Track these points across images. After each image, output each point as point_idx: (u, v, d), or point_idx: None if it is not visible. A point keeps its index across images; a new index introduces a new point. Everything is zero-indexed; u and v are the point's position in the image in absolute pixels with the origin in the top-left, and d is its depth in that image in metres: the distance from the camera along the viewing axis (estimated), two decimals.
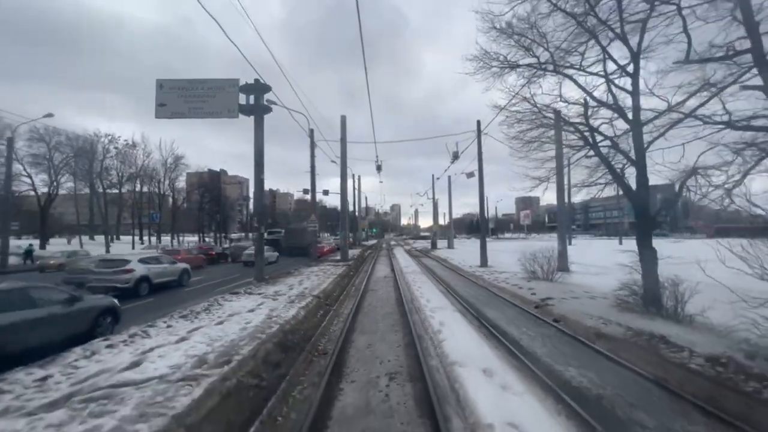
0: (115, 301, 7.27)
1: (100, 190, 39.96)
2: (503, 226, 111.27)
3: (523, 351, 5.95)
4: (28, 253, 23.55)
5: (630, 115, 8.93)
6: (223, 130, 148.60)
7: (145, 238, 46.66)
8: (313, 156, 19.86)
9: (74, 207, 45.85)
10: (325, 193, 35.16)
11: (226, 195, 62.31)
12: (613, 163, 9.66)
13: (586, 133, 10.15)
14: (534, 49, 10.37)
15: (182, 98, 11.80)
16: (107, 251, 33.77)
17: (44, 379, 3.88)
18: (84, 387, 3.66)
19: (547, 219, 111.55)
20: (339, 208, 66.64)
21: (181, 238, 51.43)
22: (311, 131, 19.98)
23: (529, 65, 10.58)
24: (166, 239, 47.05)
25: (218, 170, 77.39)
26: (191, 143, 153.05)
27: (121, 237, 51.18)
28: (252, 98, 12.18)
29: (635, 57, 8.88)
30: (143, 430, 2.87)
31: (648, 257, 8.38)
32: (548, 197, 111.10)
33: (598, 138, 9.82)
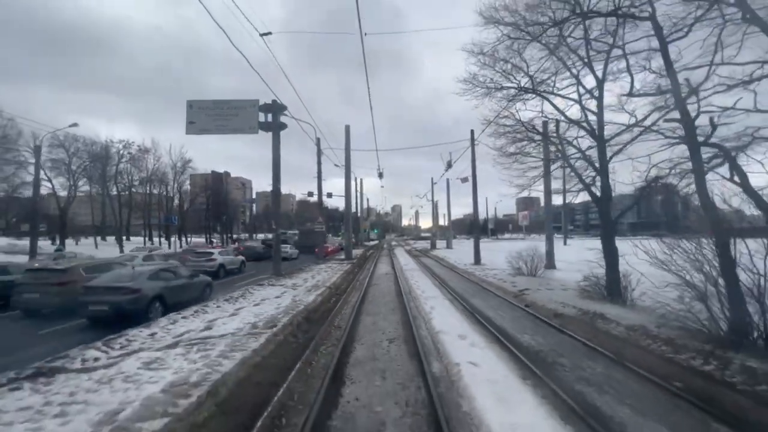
0: (210, 279, 11.36)
1: (114, 192, 41.85)
2: (503, 226, 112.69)
3: (494, 325, 7.68)
4: (59, 254, 25.37)
5: (596, 132, 10.57)
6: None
7: (155, 239, 48.51)
8: (319, 163, 21.63)
9: (83, 209, 47.82)
10: (329, 195, 36.98)
11: (232, 197, 64.08)
12: (587, 172, 11.31)
13: (559, 147, 11.87)
14: (515, 74, 12.04)
15: (209, 117, 13.58)
16: (121, 251, 35.65)
17: (152, 335, 5.64)
18: (182, 339, 5.41)
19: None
20: (340, 209, 67.59)
21: (189, 239, 53.21)
22: (318, 140, 21.74)
23: (511, 88, 12.24)
24: (164, 240, 48.87)
25: (222, 172, 79.27)
26: (190, 144, 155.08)
27: (131, 238, 52.98)
28: (270, 116, 13.95)
29: (600, 83, 10.51)
30: (236, 355, 4.61)
31: (610, 254, 10.06)
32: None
33: (573, 150, 11.47)
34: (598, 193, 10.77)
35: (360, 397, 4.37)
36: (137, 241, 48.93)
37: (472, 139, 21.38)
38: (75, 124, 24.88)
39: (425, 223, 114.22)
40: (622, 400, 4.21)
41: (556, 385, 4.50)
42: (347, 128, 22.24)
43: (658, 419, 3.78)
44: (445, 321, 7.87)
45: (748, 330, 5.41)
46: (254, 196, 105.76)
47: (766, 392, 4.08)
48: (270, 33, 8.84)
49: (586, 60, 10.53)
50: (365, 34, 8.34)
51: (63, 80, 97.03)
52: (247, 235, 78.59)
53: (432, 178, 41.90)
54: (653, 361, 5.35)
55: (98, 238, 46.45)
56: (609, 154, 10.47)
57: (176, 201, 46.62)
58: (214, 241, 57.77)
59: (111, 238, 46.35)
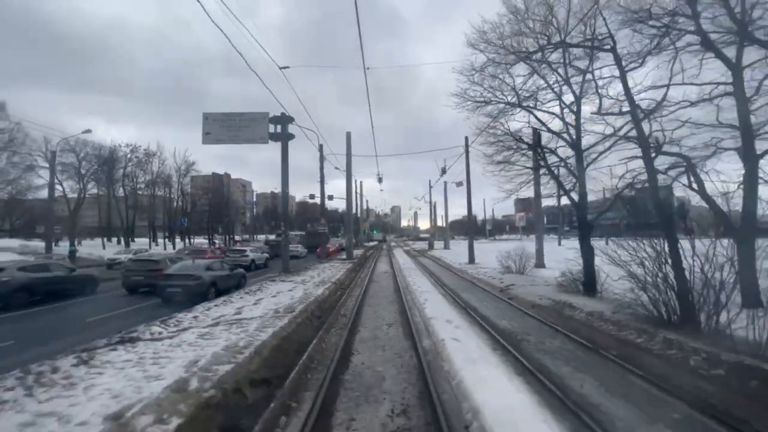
0: (244, 271, 14.35)
1: (121, 194, 43.04)
2: (500, 227, 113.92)
3: (478, 313, 8.97)
4: (72, 254, 26.60)
5: (575, 143, 11.84)
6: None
7: (160, 240, 49.68)
8: (322, 168, 22.90)
9: (86, 211, 48.87)
10: (330, 198, 38.17)
11: (233, 199, 65.27)
12: (570, 179, 12.59)
13: (542, 155, 13.16)
14: (503, 89, 13.29)
15: (223, 128, 14.86)
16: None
17: (195, 317, 6.91)
18: (220, 320, 6.69)
19: (545, 220, 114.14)
20: (339, 209, 68.66)
21: (192, 240, 54.33)
22: (320, 146, 23.05)
23: (499, 102, 13.51)
24: (168, 241, 50.03)
25: (222, 174, 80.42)
26: (189, 145, 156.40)
27: (136, 239, 54.10)
28: (279, 127, 15.23)
29: (577, 99, 11.77)
30: (268, 330, 5.88)
31: (587, 253, 11.32)
32: (546, 200, 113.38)
33: (554, 159, 12.73)
34: (577, 198, 12.10)
35: (365, 362, 5.65)
36: (142, 242, 50.12)
37: (467, 146, 22.70)
38: (88, 131, 26.11)
39: (424, 224, 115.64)
40: (567, 363, 5.50)
41: (518, 353, 5.79)
42: (348, 135, 23.54)
43: (589, 372, 5.08)
44: (436, 310, 9.13)
45: (676, 312, 6.69)
46: (254, 198, 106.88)
47: (673, 354, 5.37)
48: (288, 67, 10.19)
49: (565, 79, 11.82)
50: (368, 68, 9.62)
51: (61, 81, 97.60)
52: (247, 236, 79.61)
53: (429, 181, 43.26)
54: (599, 337, 6.65)
55: (101, 239, 47.58)
56: (587, 162, 11.81)
57: (180, 203, 47.76)
58: (216, 242, 59.00)
59: (116, 239, 47.53)
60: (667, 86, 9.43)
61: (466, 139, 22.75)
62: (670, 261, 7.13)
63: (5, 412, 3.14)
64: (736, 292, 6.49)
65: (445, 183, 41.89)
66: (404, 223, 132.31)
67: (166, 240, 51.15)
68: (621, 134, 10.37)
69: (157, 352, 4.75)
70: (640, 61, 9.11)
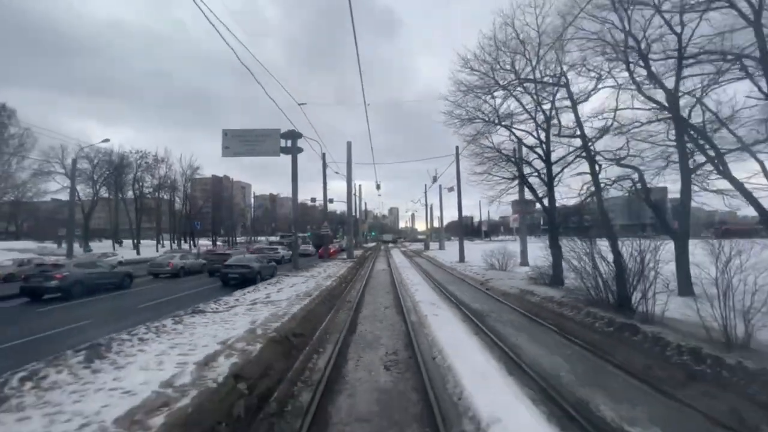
0: (276, 264, 18.40)
1: (130, 199, 44.99)
2: (496, 228, 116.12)
3: (457, 299, 11.08)
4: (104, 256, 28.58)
5: (545, 157, 13.91)
6: (215, 133, 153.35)
7: (167, 242, 51.63)
8: (325, 176, 25.00)
9: (94, 213, 50.75)
10: (330, 201, 40.24)
11: (236, 201, 67.19)
12: (543, 187, 14.68)
13: (518, 166, 15.25)
14: (484, 108, 15.37)
15: (240, 142, 16.94)
16: (137, 253, 39.05)
17: (236, 299, 8.99)
18: (256, 302, 8.77)
19: (542, 221, 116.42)
20: (337, 211, 70.59)
21: (197, 242, 56.22)
22: (323, 155, 25.16)
23: (482, 120, 15.60)
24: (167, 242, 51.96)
25: (222, 176, 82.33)
26: (190, 146, 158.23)
27: (142, 241, 55.85)
28: (289, 142, 17.32)
29: (547, 120, 13.89)
30: (295, 307, 7.98)
31: (556, 252, 13.43)
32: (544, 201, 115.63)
33: (530, 170, 14.77)
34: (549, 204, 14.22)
35: (367, 329, 7.75)
36: (148, 243, 51.99)
37: (457, 155, 24.87)
38: (107, 140, 28.08)
39: (421, 225, 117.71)
40: (512, 327, 7.63)
41: (479, 322, 7.91)
42: (349, 145, 25.64)
43: (524, 332, 7.22)
44: (423, 297, 11.24)
45: (613, 295, 8.79)
46: (252, 200, 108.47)
47: (587, 320, 7.51)
48: (305, 103, 12.37)
49: (537, 103, 13.94)
50: (368, 104, 11.72)
51: (59, 82, 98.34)
52: (245, 237, 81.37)
53: (425, 186, 45.38)
54: (543, 312, 8.80)
55: (112, 241, 49.41)
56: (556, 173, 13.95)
57: (187, 206, 49.69)
58: (219, 243, 60.93)
59: (126, 242, 49.38)
60: (615, 111, 11.59)
61: (457, 148, 24.93)
62: (610, 257, 9.22)
63: (153, 342, 5.23)
64: (674, 282, 8.52)
65: (440, 186, 44.01)
66: (402, 224, 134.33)
67: (172, 242, 53.11)
68: (578, 153, 12.54)
69: (223, 318, 6.84)
70: (586, 95, 11.28)
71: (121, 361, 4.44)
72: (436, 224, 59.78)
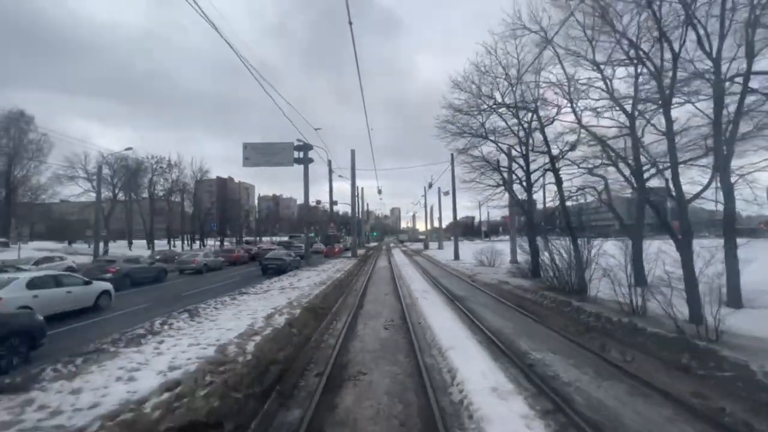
0: (300, 258, 22.42)
1: (142, 201, 47.50)
2: (496, 228, 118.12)
3: (445, 288, 13.38)
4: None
5: (525, 167, 16.13)
6: (216, 133, 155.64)
7: (177, 242, 54.15)
8: (331, 181, 27.33)
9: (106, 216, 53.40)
10: (335, 203, 42.55)
11: (242, 203, 69.65)
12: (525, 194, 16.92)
13: (501, 175, 17.47)
14: (471, 123, 17.57)
15: (259, 154, 19.30)
16: (152, 252, 41.54)
17: (268, 286, 11.34)
18: (285, 287, 11.11)
19: (543, 222, 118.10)
20: (340, 212, 72.50)
21: (205, 242, 58.66)
22: (329, 162, 27.51)
23: (470, 135, 17.82)
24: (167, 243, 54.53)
25: (226, 178, 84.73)
26: (189, 147, 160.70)
27: (155, 241, 58.20)
28: (301, 153, 19.67)
29: (527, 135, 16.12)
30: (316, 290, 10.32)
31: (533, 249, 15.69)
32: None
33: (514, 177, 17.00)
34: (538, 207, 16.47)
35: (371, 308, 10.06)
36: (159, 243, 54.55)
37: (452, 162, 27.14)
38: (129, 148, 30.48)
39: (423, 225, 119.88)
40: (483, 307, 9.92)
41: (459, 304, 10.22)
42: (353, 153, 28.00)
43: (490, 309, 9.52)
44: (418, 287, 13.56)
45: (573, 284, 11.05)
46: (257, 201, 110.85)
47: (542, 301, 9.79)
48: (320, 128, 14.70)
49: (518, 119, 16.16)
50: (371, 129, 13.99)
51: (57, 83, 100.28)
52: (250, 238, 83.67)
53: (425, 188, 47.63)
54: (510, 296, 11.10)
55: (127, 241, 51.90)
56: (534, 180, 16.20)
57: (199, 208, 52.10)
58: (226, 244, 63.41)
59: (136, 242, 51.89)
60: (579, 130, 13.83)
61: (452, 155, 27.16)
62: (571, 253, 11.45)
63: (225, 309, 7.57)
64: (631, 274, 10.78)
65: (439, 189, 46.21)
66: (404, 224, 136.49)
67: (183, 242, 55.62)
68: (546, 167, 14.79)
69: (264, 297, 9.19)
70: (551, 120, 13.58)
71: (212, 318, 6.78)
72: (436, 224, 62.10)
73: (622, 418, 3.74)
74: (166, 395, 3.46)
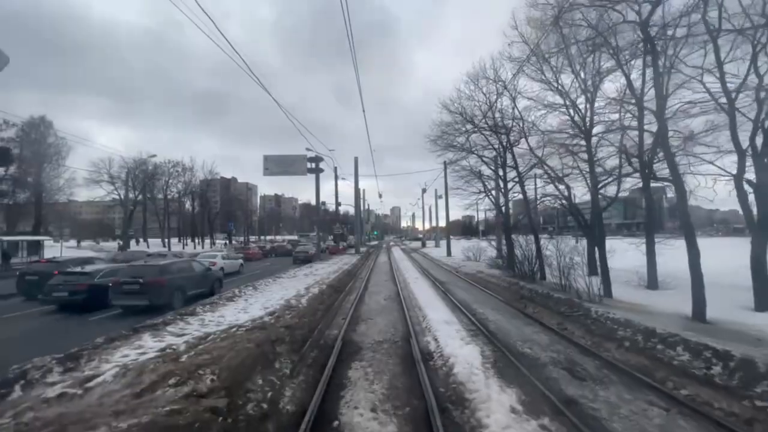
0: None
1: (156, 202, 50.77)
2: (493, 228, 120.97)
3: (432, 276, 16.59)
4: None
5: (503, 177, 19.28)
6: (215, 133, 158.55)
7: (189, 241, 57.43)
8: (336, 185, 30.50)
9: (120, 215, 56.73)
10: (338, 204, 45.71)
11: (250, 203, 72.86)
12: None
13: (483, 183, 20.64)
14: (458, 137, 20.74)
15: (277, 165, 22.49)
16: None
17: (294, 273, 14.57)
18: (307, 274, 14.35)
19: (542, 221, 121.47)
20: (342, 212, 75.56)
21: (214, 241, 61.89)
22: (335, 168, 30.66)
23: (457, 149, 20.98)
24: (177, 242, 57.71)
25: (230, 178, 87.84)
26: (190, 148, 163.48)
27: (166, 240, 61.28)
28: (313, 164, 22.84)
29: (504, 150, 19.30)
30: (331, 276, 13.55)
31: (509, 246, 18.88)
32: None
33: (494, 185, 20.21)
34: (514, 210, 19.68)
35: (374, 288, 13.27)
36: (174, 242, 57.82)
37: (445, 169, 30.30)
38: (154, 155, 33.67)
39: (422, 225, 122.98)
40: (459, 289, 13.13)
41: (441, 286, 13.43)
42: (356, 160, 31.18)
43: (464, 291, 12.74)
44: (410, 275, 16.77)
45: (535, 273, 14.23)
46: (259, 200, 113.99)
47: (504, 285, 12.99)
48: (334, 150, 17.75)
49: (497, 136, 19.31)
50: (374, 150, 17.12)
51: (56, 82, 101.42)
52: (254, 237, 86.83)
53: (423, 189, 50.80)
54: (482, 282, 14.31)
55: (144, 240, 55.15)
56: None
57: (207, 208, 55.28)
58: (234, 242, 66.64)
59: (151, 240, 55.16)
60: (543, 147, 16.98)
61: (445, 163, 30.30)
62: (532, 248, 14.62)
63: (270, 286, 10.80)
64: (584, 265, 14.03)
65: (435, 191, 49.37)
66: (404, 223, 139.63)
67: (193, 241, 58.91)
68: (515, 181, 17.96)
69: (295, 279, 12.41)
70: (517, 140, 16.76)
71: (268, 291, 10.00)
72: (435, 223, 65.20)
73: (510, 332, 6.94)
74: (268, 318, 6.68)
